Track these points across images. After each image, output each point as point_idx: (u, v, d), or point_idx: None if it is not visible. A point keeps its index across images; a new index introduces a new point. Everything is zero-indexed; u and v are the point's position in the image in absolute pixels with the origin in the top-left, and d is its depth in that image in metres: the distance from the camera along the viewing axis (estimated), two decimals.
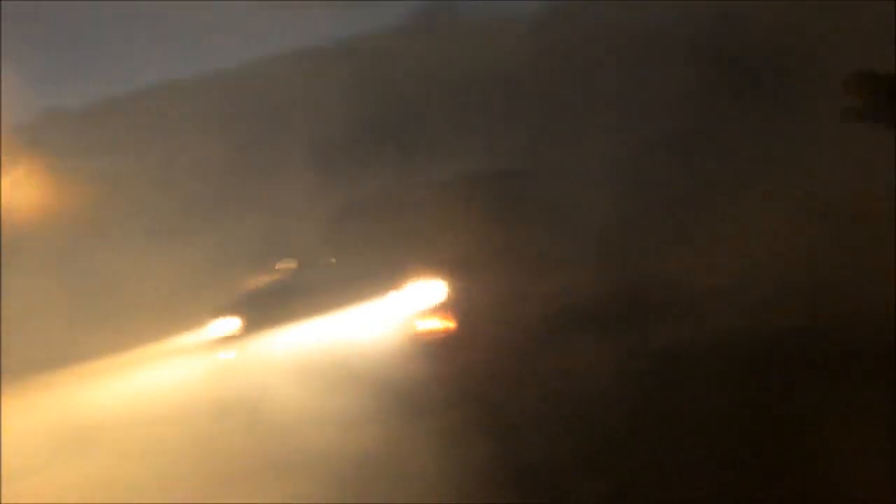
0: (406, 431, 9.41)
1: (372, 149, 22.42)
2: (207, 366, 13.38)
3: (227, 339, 13.99)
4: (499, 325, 12.63)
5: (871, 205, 15.11)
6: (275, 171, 19.72)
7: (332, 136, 22.80)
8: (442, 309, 12.82)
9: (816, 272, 14.45)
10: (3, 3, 19.25)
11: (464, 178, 16.70)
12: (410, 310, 12.75)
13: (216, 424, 10.70)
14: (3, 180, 18.30)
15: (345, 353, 12.22)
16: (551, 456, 8.95)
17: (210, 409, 11.28)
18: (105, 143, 20.26)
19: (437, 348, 12.57)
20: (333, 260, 15.33)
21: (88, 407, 12.48)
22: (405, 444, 9.08)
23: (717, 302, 14.16)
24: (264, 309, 13.87)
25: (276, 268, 15.53)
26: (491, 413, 9.98)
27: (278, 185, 19.26)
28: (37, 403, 12.58)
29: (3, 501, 9.59)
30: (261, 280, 15.87)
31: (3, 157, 18.32)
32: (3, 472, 9.94)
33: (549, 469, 8.63)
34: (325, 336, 12.73)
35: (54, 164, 19.91)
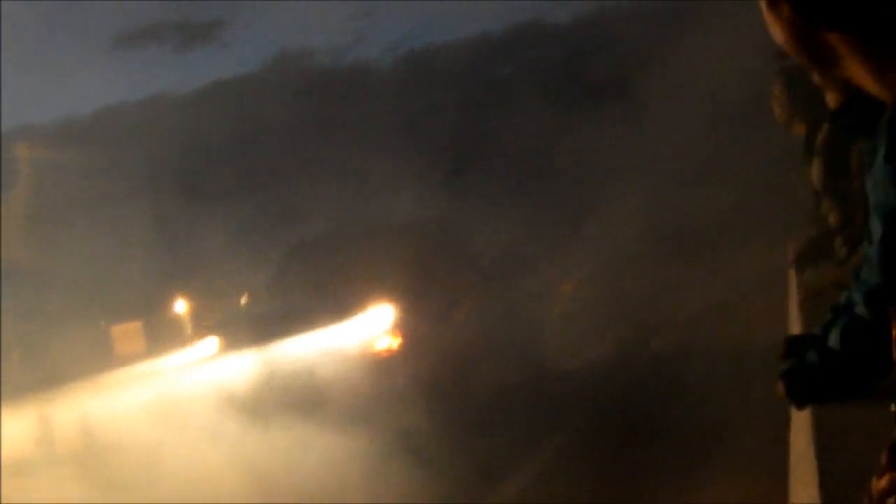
0: (359, 433, 10.24)
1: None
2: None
3: (198, 361, 14.80)
4: (436, 343, 14.08)
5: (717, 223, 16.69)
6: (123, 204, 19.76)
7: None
8: (390, 331, 14.27)
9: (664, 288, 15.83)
10: None
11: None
12: (363, 332, 14.18)
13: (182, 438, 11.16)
14: None
15: (307, 367, 13.29)
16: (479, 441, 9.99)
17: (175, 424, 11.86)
18: None
19: (386, 364, 13.95)
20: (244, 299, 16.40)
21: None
22: (359, 445, 9.88)
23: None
24: (232, 335, 14.70)
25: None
26: (432, 415, 11.06)
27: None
28: None
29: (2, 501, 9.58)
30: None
31: None
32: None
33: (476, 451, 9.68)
34: (289, 355, 13.71)
35: None
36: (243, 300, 15.95)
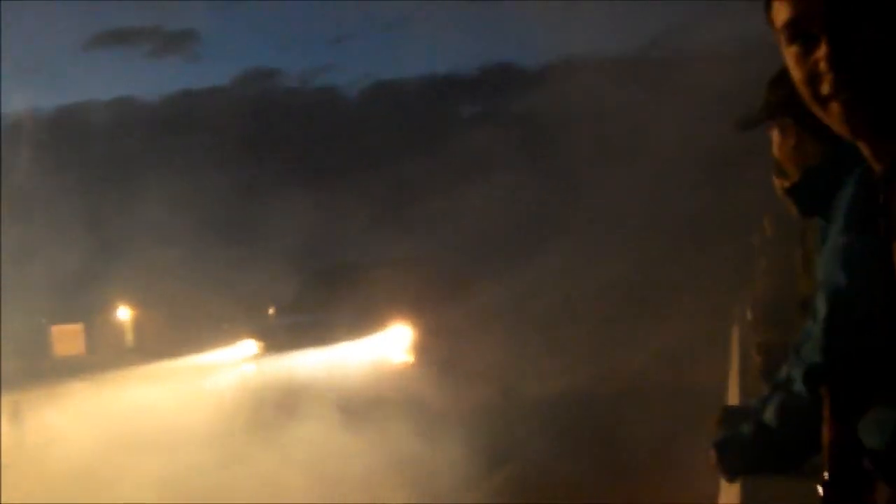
0: (380, 431, 11.24)
1: None
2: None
3: (245, 361, 16.37)
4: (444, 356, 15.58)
5: None
6: None
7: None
8: (406, 346, 15.85)
9: None
10: None
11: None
12: (382, 347, 15.82)
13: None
14: None
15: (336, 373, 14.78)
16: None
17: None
18: None
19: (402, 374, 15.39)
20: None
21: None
22: (380, 441, 10.83)
23: None
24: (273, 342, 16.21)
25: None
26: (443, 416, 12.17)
27: None
28: None
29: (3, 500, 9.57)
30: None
31: None
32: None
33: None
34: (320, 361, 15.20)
35: None
36: (270, 311, 17.66)
